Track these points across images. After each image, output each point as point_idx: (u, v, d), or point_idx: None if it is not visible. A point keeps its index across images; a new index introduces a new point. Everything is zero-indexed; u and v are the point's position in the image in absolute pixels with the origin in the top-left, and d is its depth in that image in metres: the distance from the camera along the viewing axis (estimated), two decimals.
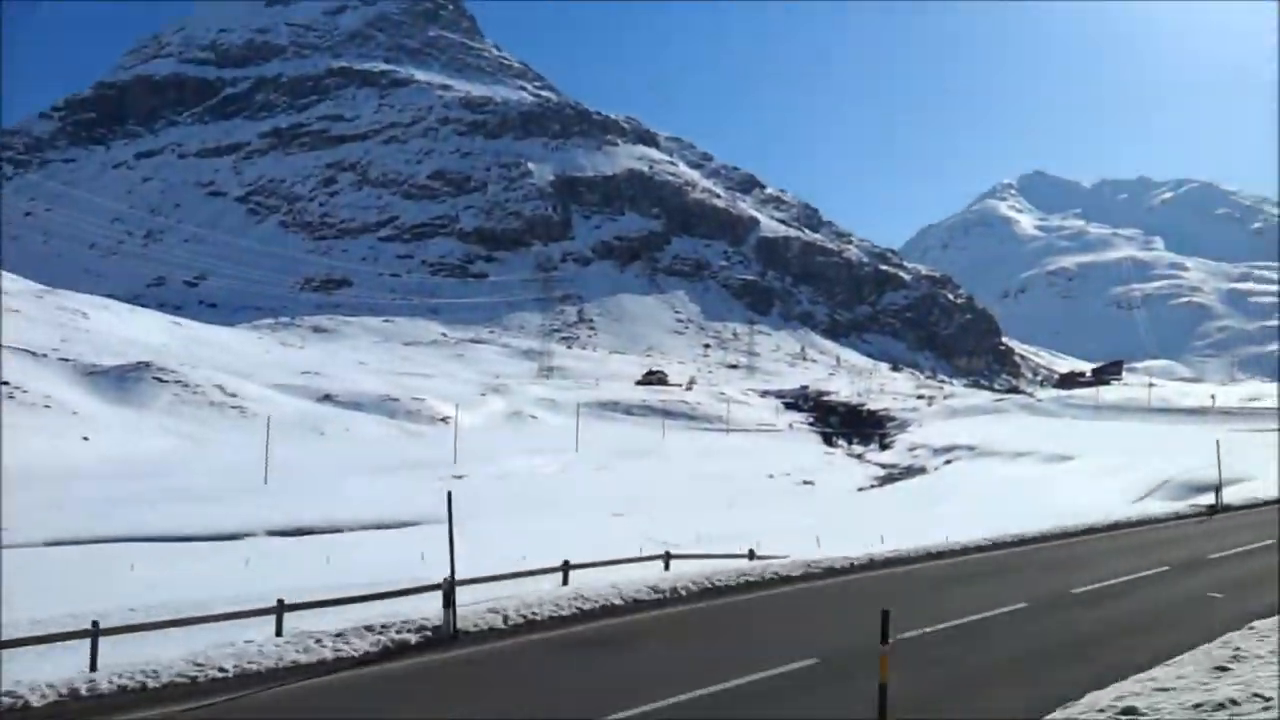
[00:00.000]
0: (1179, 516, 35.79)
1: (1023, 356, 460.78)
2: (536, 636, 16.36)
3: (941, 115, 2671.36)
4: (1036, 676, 13.80)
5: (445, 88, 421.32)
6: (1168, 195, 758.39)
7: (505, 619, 16.81)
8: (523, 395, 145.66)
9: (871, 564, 22.75)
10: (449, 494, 18.44)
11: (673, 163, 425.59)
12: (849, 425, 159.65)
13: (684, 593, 18.92)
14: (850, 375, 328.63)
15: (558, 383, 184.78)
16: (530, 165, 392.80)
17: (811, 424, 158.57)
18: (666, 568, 23.74)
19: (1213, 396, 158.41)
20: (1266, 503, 39.40)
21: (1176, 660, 13.04)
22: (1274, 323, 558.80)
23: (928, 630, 16.09)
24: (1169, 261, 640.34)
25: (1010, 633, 16.34)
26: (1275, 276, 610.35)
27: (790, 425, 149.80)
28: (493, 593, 19.44)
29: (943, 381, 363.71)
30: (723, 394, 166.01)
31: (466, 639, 16.10)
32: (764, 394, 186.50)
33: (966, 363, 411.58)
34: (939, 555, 24.29)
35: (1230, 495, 40.24)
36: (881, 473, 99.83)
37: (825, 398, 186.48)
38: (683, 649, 15.65)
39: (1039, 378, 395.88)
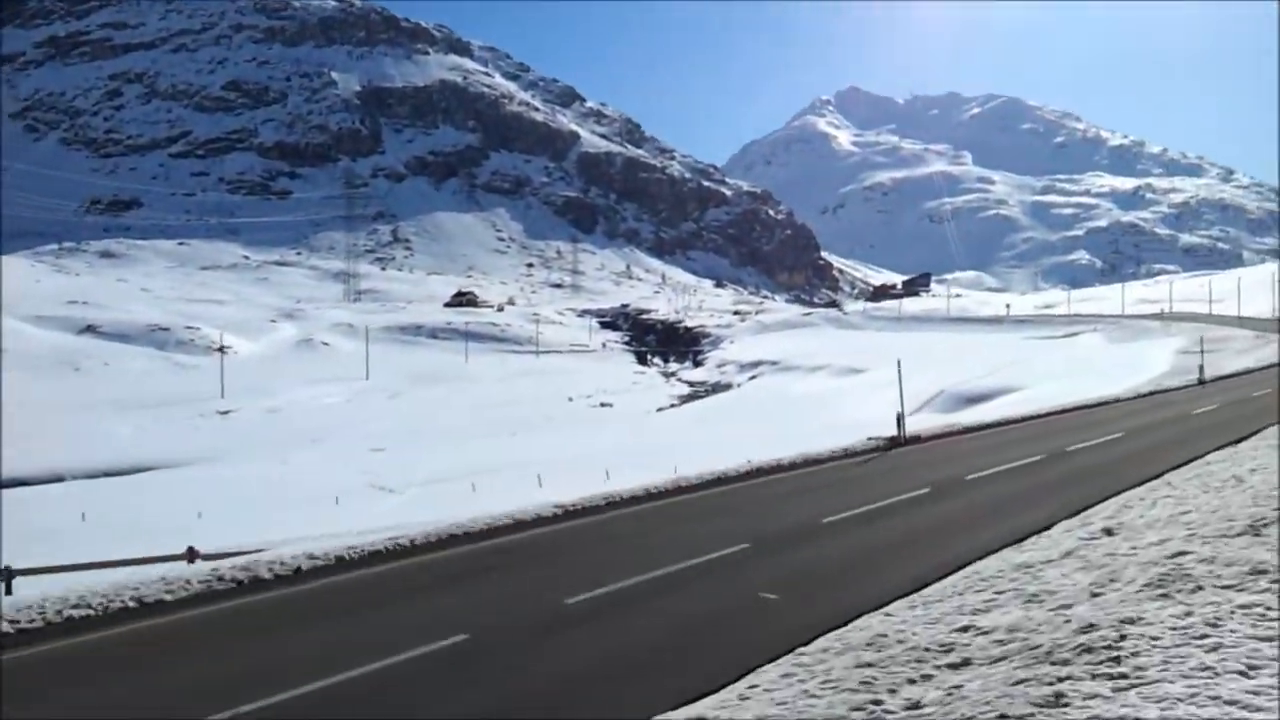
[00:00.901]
0: (846, 455, 26.73)
1: (841, 271, 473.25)
2: None
3: (762, 31, 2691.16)
4: None
5: None
6: (976, 110, 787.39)
7: None
8: (320, 320, 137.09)
9: (600, 506, 19.09)
10: None
11: (488, 73, 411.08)
12: (666, 343, 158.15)
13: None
14: (675, 293, 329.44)
15: (364, 306, 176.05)
16: (334, 75, 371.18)
17: (627, 343, 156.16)
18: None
19: (1007, 306, 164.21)
20: (980, 427, 31.25)
21: None
22: (1075, 233, 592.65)
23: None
24: (977, 175, 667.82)
25: None
26: (1076, 189, 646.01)
27: (604, 345, 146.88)
28: None
29: (765, 297, 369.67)
30: (536, 315, 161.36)
31: None
32: (582, 314, 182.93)
33: (788, 278, 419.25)
34: (659, 495, 20.53)
35: (975, 413, 38.64)
36: (687, 391, 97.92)
37: (644, 316, 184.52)
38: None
39: (856, 291, 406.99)
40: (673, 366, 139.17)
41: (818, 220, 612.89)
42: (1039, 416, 28.07)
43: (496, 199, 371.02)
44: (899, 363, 35.84)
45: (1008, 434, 26.43)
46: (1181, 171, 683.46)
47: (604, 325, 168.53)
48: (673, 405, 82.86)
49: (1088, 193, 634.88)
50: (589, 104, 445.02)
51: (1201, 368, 36.78)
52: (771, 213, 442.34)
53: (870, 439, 28.36)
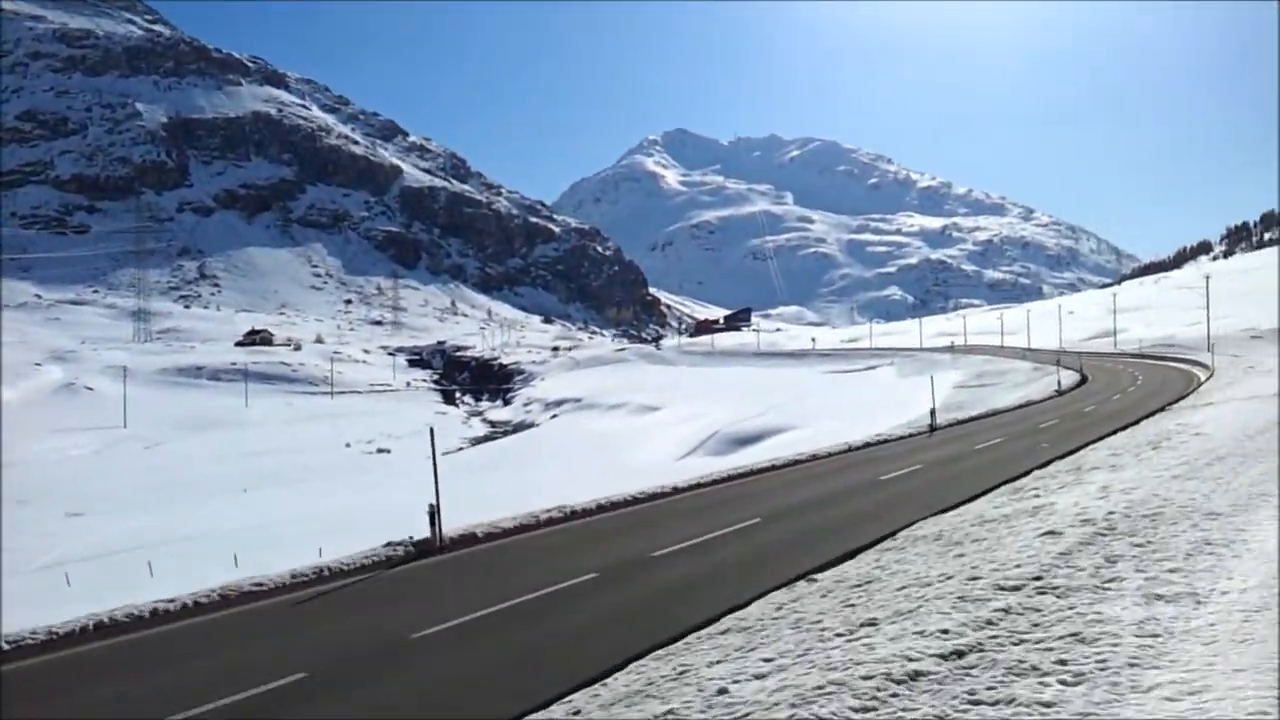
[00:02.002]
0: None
1: (668, 306, 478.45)
2: None
3: (591, 71, 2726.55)
4: None
5: (37, 18, 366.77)
6: (796, 152, 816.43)
7: None
8: (93, 363, 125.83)
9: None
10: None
11: (305, 106, 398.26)
12: (479, 381, 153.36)
13: None
14: (502, 329, 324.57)
15: (151, 347, 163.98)
16: (139, 106, 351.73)
17: (437, 382, 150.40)
18: None
19: (813, 340, 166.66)
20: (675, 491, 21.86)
21: None
22: (889, 270, 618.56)
23: None
24: (798, 215, 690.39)
25: None
26: (889, 228, 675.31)
27: (409, 384, 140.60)
28: None
29: (594, 332, 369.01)
30: (336, 353, 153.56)
31: None
32: (393, 352, 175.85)
33: (616, 313, 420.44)
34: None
35: (739, 458, 36.05)
36: (485, 431, 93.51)
37: (459, 354, 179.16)
38: None
39: (683, 325, 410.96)
40: (483, 405, 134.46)
41: (647, 257, 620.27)
42: (744, 475, 23.89)
43: (313, 233, 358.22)
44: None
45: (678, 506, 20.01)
46: (985, 211, 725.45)
47: (413, 364, 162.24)
48: (461, 448, 78.21)
49: (899, 231, 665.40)
50: (412, 138, 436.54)
51: (933, 411, 34.73)
52: (600, 249, 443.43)
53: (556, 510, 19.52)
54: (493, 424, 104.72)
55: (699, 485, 21.73)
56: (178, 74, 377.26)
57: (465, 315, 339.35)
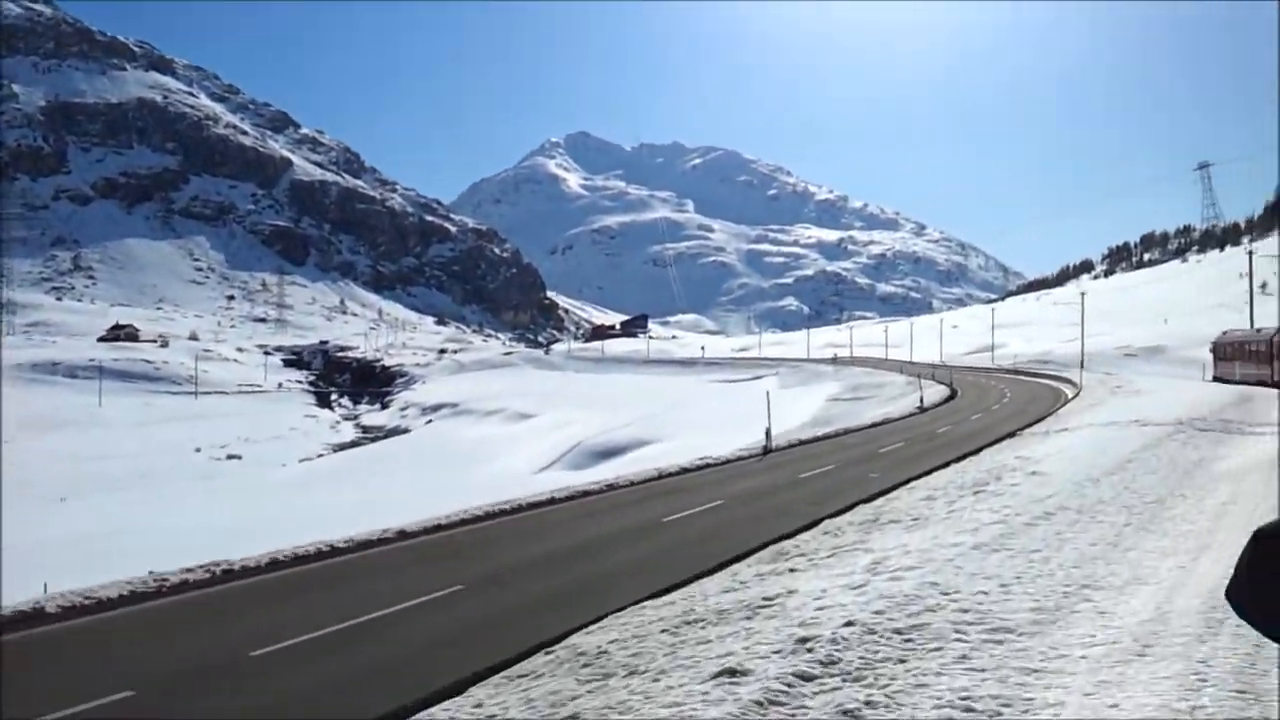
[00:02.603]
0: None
1: (566, 310, 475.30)
2: None
3: (494, 68, 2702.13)
4: None
5: None
6: (698, 161, 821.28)
7: None
8: None
9: None
10: None
11: (192, 93, 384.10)
12: (359, 383, 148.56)
13: None
14: (393, 330, 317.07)
15: (12, 341, 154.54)
16: (16, 87, 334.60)
17: (313, 383, 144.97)
18: None
19: (702, 348, 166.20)
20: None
21: None
22: (786, 281, 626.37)
23: None
24: (698, 223, 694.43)
25: None
26: (786, 239, 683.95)
27: (280, 385, 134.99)
28: None
29: (489, 335, 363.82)
30: (206, 351, 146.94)
31: None
32: (270, 351, 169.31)
33: (513, 316, 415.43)
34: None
35: (598, 472, 33.81)
36: (352, 437, 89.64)
37: (340, 355, 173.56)
38: None
39: (580, 331, 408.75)
40: (361, 408, 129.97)
41: (547, 260, 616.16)
42: (505, 513, 19.67)
43: (196, 226, 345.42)
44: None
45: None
46: (880, 225, 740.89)
47: (289, 364, 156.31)
48: (321, 455, 74.36)
49: (797, 243, 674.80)
50: (304, 130, 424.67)
51: (768, 431, 32.59)
52: (497, 251, 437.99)
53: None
54: (365, 429, 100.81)
55: (439, 528, 17.41)
56: (58, 56, 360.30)
57: (355, 315, 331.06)
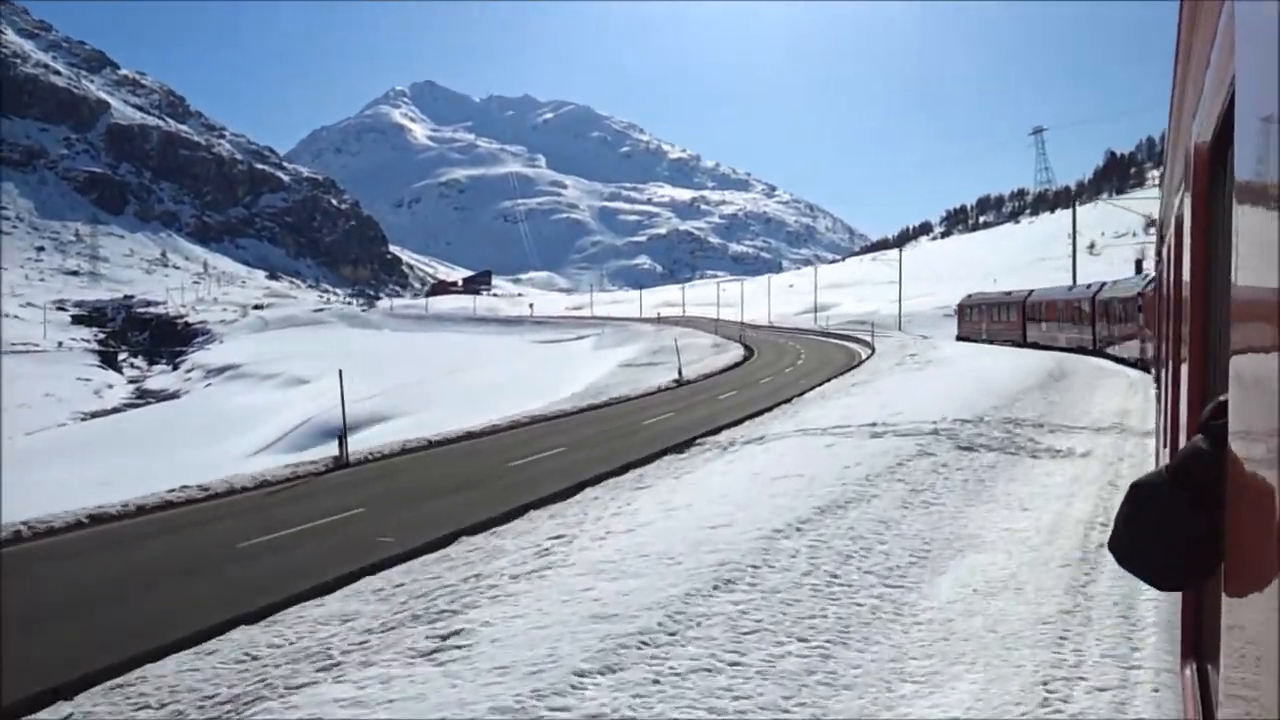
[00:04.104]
0: None
1: (410, 266, 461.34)
2: None
3: (335, 10, 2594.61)
4: None
5: None
6: (549, 115, 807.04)
7: None
8: None
9: None
10: None
11: None
12: (159, 341, 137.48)
13: None
14: (219, 284, 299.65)
15: None
16: None
17: (103, 342, 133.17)
18: None
19: (530, 306, 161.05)
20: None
21: None
22: (639, 239, 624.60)
23: None
24: (550, 179, 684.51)
25: None
26: (640, 198, 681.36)
27: (60, 344, 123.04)
28: None
29: (325, 291, 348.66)
30: None
31: None
32: (60, 307, 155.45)
33: (353, 271, 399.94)
34: None
35: (316, 453, 27.98)
36: (115, 403, 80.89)
37: (140, 311, 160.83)
38: None
39: (426, 287, 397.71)
40: (158, 369, 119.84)
41: (392, 214, 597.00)
42: None
43: (3, 172, 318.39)
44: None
45: None
46: (732, 186, 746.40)
47: (79, 320, 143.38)
48: (63, 425, 65.93)
49: (650, 201, 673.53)
50: (124, 72, 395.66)
51: (341, 443, 23.19)
52: (335, 202, 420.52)
53: None
54: (142, 394, 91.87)
55: None
56: None
57: (177, 268, 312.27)
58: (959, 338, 59.84)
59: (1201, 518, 1.36)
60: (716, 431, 22.44)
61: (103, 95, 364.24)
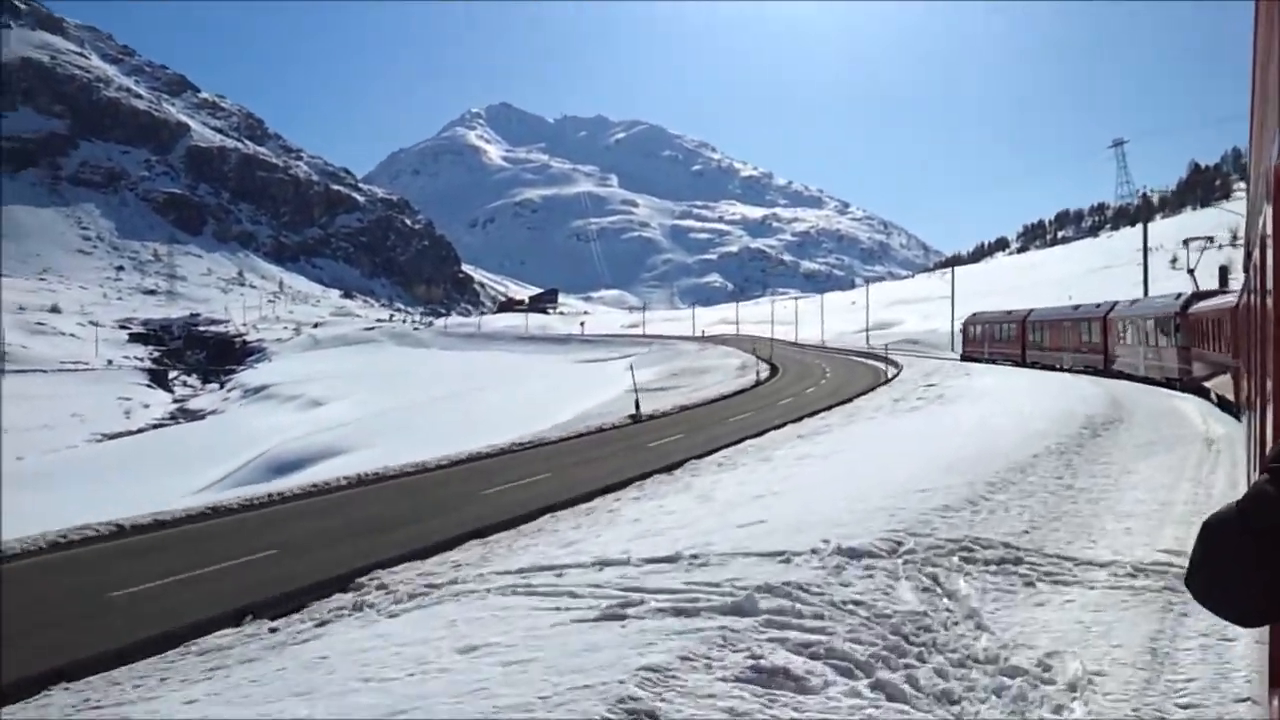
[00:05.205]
0: None
1: (482, 285, 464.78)
2: None
3: (414, 34, 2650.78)
4: None
5: None
6: (621, 135, 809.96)
7: None
8: None
9: None
10: None
11: (83, 54, 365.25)
12: (216, 359, 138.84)
13: None
14: (294, 302, 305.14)
15: None
16: None
17: (157, 360, 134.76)
18: None
19: (581, 324, 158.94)
20: None
21: None
22: (710, 257, 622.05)
23: None
24: (622, 198, 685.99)
25: None
26: (711, 216, 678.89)
27: (110, 362, 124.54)
28: None
29: (398, 309, 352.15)
30: (40, 324, 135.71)
31: None
32: (124, 324, 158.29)
33: (425, 290, 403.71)
34: None
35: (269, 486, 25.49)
36: (142, 423, 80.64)
37: (201, 329, 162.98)
38: None
39: (496, 305, 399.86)
40: (212, 387, 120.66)
41: (467, 233, 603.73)
42: None
43: (85, 193, 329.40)
44: None
45: None
46: (804, 203, 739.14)
47: (136, 338, 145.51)
48: (72, 448, 65.33)
49: (721, 219, 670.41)
50: (204, 95, 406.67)
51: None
52: (409, 222, 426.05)
53: None
54: (179, 414, 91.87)
55: None
56: None
57: (254, 287, 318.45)
58: (963, 357, 58.54)
59: (1271, 561, 1.31)
60: (514, 524, 15.11)
61: (183, 118, 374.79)
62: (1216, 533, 1.44)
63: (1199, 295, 29.93)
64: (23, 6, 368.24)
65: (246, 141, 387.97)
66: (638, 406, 35.85)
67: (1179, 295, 33.16)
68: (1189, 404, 24.52)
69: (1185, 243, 41.90)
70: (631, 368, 39.02)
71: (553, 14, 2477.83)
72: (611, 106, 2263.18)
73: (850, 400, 34.81)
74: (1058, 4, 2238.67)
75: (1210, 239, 42.93)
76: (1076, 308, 45.37)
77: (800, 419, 28.83)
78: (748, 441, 24.21)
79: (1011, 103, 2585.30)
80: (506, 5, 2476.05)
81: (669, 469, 21.10)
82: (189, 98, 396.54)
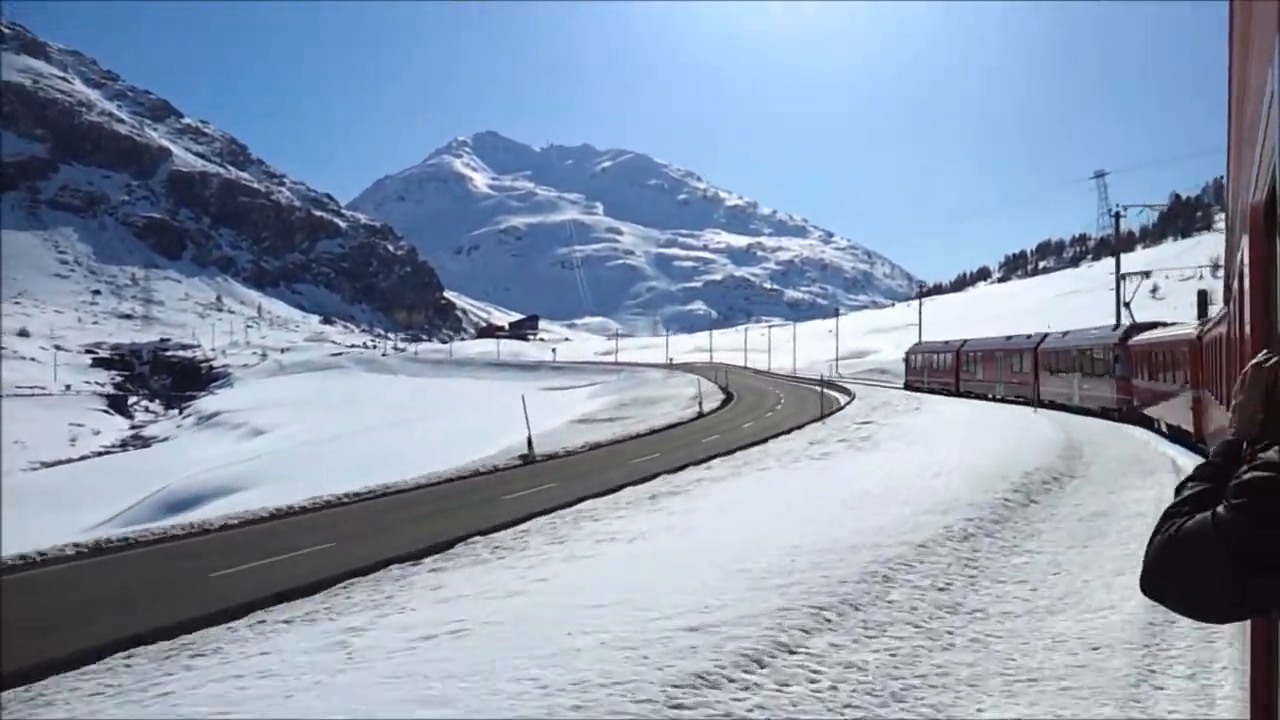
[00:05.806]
0: None
1: (465, 311, 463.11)
2: None
3: (400, 63, 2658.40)
4: None
5: None
6: (608, 164, 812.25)
7: None
8: None
9: None
10: None
11: (66, 79, 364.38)
12: (181, 385, 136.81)
13: None
14: (271, 328, 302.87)
15: None
16: None
17: (119, 385, 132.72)
18: None
19: (553, 350, 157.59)
20: None
21: None
22: (695, 285, 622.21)
23: None
24: (607, 226, 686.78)
25: None
26: (696, 244, 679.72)
27: (68, 388, 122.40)
28: None
29: (379, 335, 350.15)
30: (2, 348, 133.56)
31: None
32: (90, 349, 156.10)
33: (407, 316, 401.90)
34: None
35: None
36: (85, 451, 78.70)
37: (169, 354, 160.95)
38: None
39: (477, 331, 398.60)
40: (172, 413, 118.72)
41: (452, 260, 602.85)
42: None
43: (64, 216, 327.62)
44: None
45: None
46: (789, 232, 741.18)
47: (100, 363, 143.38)
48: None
49: (706, 248, 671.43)
50: (186, 119, 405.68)
51: None
52: (391, 248, 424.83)
53: None
54: (128, 441, 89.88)
55: None
56: None
57: (232, 312, 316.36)
58: (905, 386, 59.27)
59: (1247, 574, 1.33)
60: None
61: (165, 143, 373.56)
62: (1191, 545, 1.43)
63: (1137, 327, 30.40)
64: (6, 31, 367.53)
65: (229, 167, 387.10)
66: (530, 447, 33.41)
67: (1116, 327, 33.47)
68: (1166, 452, 20.60)
69: (1120, 278, 41.50)
70: (524, 402, 35.63)
71: (540, 44, 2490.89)
72: (598, 135, 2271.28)
73: (765, 441, 31.36)
74: (1043, 35, 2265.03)
75: (1147, 274, 44.55)
76: (1009, 339, 45.43)
77: (684, 467, 25.49)
78: (601, 499, 20.27)
79: (997, 135, 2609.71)
80: (494, 34, 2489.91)
81: (449, 545, 16.54)
82: (172, 123, 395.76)
